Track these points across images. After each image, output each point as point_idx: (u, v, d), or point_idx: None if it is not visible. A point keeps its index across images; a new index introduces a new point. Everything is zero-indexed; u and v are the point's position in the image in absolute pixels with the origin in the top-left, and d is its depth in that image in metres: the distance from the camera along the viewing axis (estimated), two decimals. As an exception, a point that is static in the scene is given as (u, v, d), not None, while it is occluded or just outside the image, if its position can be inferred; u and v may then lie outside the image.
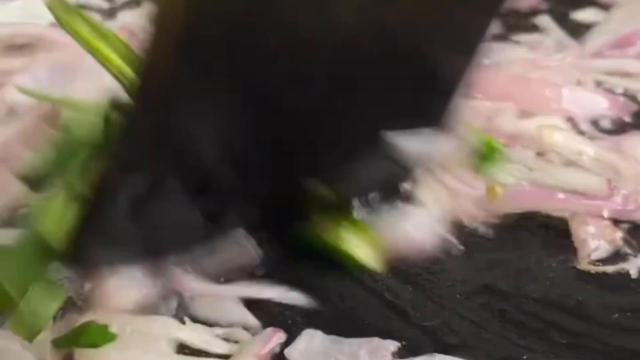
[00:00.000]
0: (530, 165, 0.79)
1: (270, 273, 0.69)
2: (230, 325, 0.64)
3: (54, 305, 0.61)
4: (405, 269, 0.70)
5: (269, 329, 0.63)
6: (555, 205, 0.74)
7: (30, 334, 0.59)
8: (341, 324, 0.65)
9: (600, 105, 0.85)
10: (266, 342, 0.61)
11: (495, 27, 1.01)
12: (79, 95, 0.77)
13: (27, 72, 0.86)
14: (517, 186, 0.76)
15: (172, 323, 0.63)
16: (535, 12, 1.06)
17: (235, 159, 0.52)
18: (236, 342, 0.63)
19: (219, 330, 0.63)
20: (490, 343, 0.63)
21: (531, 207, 0.74)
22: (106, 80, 0.67)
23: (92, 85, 0.78)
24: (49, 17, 0.74)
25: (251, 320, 0.65)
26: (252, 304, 0.66)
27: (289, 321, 0.65)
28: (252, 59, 0.45)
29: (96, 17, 0.96)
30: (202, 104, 0.47)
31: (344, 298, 0.68)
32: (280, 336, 0.62)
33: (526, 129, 0.81)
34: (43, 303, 0.60)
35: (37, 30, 0.94)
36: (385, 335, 0.63)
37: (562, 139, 0.79)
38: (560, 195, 0.75)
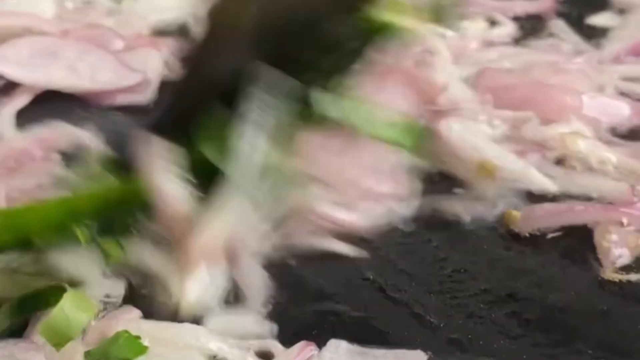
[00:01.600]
0: (549, 173, 0.79)
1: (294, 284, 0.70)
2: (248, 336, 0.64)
3: (87, 316, 0.61)
4: (427, 277, 0.70)
5: (301, 343, 0.62)
6: (574, 217, 0.74)
7: (59, 342, 0.59)
8: (365, 334, 0.65)
9: (622, 111, 0.85)
10: (297, 356, 0.61)
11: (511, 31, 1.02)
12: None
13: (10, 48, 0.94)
14: (533, 208, 0.76)
15: (203, 333, 0.63)
16: (550, 16, 1.07)
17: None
18: (267, 355, 0.62)
19: (253, 342, 0.63)
20: (516, 352, 0.63)
21: (551, 224, 0.74)
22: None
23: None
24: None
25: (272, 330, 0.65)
26: (275, 315, 0.66)
27: (313, 332, 0.65)
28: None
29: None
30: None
31: (367, 308, 0.68)
32: (311, 349, 0.62)
33: (549, 136, 0.81)
34: (76, 313, 0.60)
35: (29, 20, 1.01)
36: (410, 345, 0.63)
37: (585, 146, 0.79)
38: (579, 207, 0.75)
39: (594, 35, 1.03)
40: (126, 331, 0.59)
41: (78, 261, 0.67)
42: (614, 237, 0.71)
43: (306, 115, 0.67)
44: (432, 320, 0.66)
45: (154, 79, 0.93)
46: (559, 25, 1.05)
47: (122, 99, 0.92)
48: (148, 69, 0.94)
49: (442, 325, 0.66)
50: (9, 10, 1.02)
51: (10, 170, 0.80)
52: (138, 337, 0.59)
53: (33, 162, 0.81)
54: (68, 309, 0.60)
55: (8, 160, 0.81)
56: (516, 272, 0.71)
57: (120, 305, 0.66)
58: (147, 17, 1.04)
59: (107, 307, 0.66)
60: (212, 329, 0.63)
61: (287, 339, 0.63)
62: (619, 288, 0.69)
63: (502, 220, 0.76)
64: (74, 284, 0.65)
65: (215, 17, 0.68)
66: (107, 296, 0.67)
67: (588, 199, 0.77)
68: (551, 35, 1.03)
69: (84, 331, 0.61)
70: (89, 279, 0.67)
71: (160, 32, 1.04)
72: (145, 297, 0.67)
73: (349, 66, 0.68)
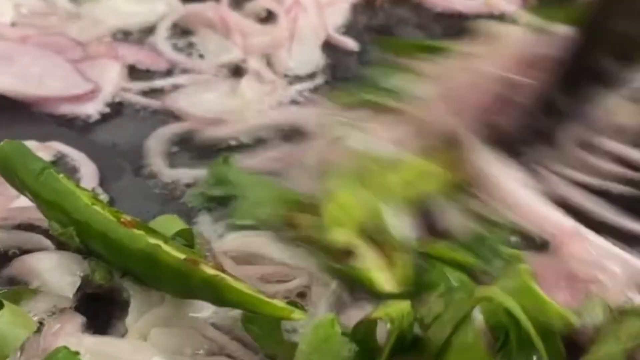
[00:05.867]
0: None
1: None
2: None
3: (23, 333, 0.59)
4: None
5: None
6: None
7: (-6, 360, 0.58)
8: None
9: None
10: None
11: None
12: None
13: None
14: None
15: (146, 348, 0.61)
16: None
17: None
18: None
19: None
20: None
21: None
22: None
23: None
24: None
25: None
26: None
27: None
28: None
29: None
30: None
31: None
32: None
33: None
34: (12, 329, 0.59)
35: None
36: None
37: None
38: None
39: None
40: (65, 347, 0.57)
41: (59, 269, 0.66)
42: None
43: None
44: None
45: (107, 90, 0.90)
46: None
47: (69, 108, 0.89)
48: (104, 80, 0.91)
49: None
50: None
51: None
52: (77, 353, 0.57)
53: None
54: (4, 326, 0.58)
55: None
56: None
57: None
58: (107, 22, 1.02)
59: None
60: (156, 344, 0.61)
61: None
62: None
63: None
64: (18, 295, 0.64)
65: None
66: (54, 307, 0.65)
67: None
68: None
69: (21, 347, 0.60)
70: (48, 289, 0.65)
71: (121, 38, 1.02)
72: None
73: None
